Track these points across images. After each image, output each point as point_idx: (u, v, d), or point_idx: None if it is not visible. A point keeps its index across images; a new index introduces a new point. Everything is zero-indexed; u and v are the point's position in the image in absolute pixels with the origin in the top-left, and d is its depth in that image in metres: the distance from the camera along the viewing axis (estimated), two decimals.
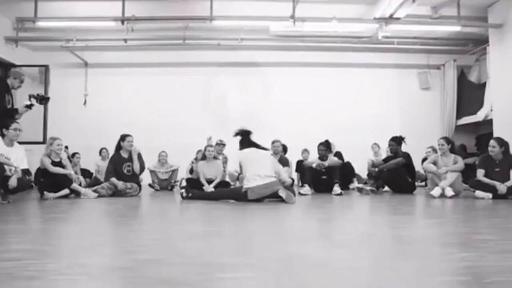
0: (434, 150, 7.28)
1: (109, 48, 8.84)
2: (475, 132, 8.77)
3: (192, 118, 8.56)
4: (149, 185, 6.95)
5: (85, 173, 7.88)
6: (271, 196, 4.75)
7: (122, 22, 8.00)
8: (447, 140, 5.82)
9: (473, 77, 8.90)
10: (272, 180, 4.81)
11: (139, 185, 6.00)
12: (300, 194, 5.87)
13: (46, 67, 8.52)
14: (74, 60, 8.88)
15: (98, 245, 2.35)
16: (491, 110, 7.45)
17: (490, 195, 5.01)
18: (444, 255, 2.05)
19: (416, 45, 8.96)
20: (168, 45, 8.75)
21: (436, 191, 5.29)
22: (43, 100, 5.12)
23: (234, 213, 3.80)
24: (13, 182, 4.48)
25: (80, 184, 5.52)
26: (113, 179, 5.72)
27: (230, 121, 8.06)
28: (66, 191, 5.25)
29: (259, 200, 4.67)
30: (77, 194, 5.33)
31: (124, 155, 5.98)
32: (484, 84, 8.10)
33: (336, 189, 5.85)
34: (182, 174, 7.43)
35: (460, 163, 5.53)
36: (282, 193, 4.64)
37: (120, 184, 5.68)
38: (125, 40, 8.47)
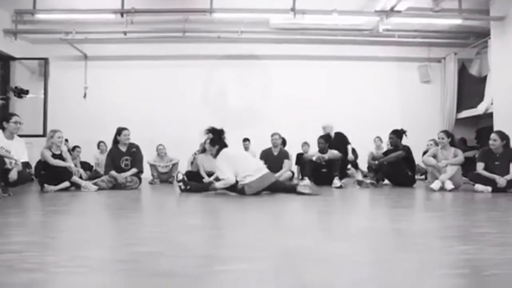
0: (436, 143, 7.29)
1: (108, 40, 8.80)
2: (475, 125, 8.76)
3: (192, 111, 8.55)
4: (149, 182, 6.94)
5: (85, 166, 7.89)
6: (268, 189, 4.76)
7: (122, 15, 7.96)
8: (447, 133, 5.82)
9: (474, 70, 8.88)
10: (266, 172, 4.88)
11: (139, 178, 6.00)
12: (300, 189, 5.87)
13: (45, 60, 8.49)
14: (73, 53, 8.84)
15: (98, 237, 2.36)
16: (492, 104, 7.43)
17: (489, 189, 5.01)
18: (443, 248, 2.06)
19: (417, 38, 8.92)
20: (167, 38, 8.71)
21: (435, 185, 5.30)
22: (22, 93, 5.09)
23: (233, 206, 3.80)
24: (13, 175, 4.48)
25: (80, 177, 5.52)
26: (113, 172, 5.73)
27: (230, 114, 8.08)
28: (66, 184, 5.26)
29: (257, 193, 4.68)
30: (77, 187, 5.34)
31: (122, 148, 5.97)
32: (485, 78, 8.07)
33: (336, 182, 5.86)
34: (183, 167, 7.44)
35: (460, 156, 5.53)
36: (304, 189, 4.70)
37: (120, 177, 5.68)
38: (125, 33, 8.43)
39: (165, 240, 2.25)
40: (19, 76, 8.48)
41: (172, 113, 8.70)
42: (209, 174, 6.24)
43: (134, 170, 5.86)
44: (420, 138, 7.97)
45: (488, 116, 7.57)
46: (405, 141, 6.33)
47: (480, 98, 8.00)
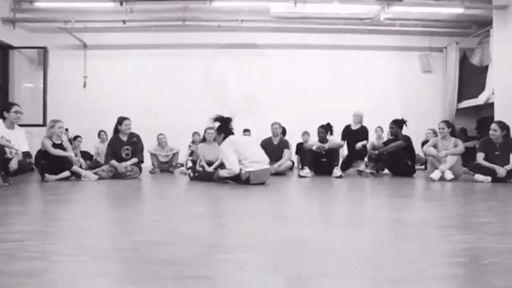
0: (434, 133, 7.29)
1: (108, 29, 8.73)
2: (475, 115, 8.74)
3: (192, 100, 8.53)
4: (150, 172, 6.95)
5: (86, 155, 7.89)
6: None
7: (121, 3, 7.88)
8: (448, 123, 5.82)
9: (475, 60, 8.82)
10: (268, 167, 4.97)
11: (140, 168, 6.01)
12: (300, 176, 5.89)
13: (44, 49, 8.44)
14: (73, 42, 8.78)
15: (99, 226, 2.37)
16: (493, 94, 7.40)
17: (489, 179, 5.03)
18: (443, 237, 2.07)
19: (418, 27, 8.85)
20: (167, 27, 8.64)
21: (435, 174, 5.31)
22: None
23: (234, 195, 3.81)
24: (13, 165, 4.49)
25: (80, 166, 5.53)
26: (113, 162, 5.73)
27: (230, 103, 8.05)
28: (67, 173, 5.27)
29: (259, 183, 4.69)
30: (77, 176, 5.35)
31: (123, 138, 5.97)
32: (486, 67, 8.02)
33: (336, 171, 5.87)
34: (182, 157, 7.45)
35: (460, 146, 5.54)
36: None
37: (120, 167, 5.69)
38: (124, 22, 8.35)
39: (166, 229, 2.26)
40: (18, 66, 8.44)
41: (172, 102, 8.67)
42: (210, 163, 6.23)
43: (134, 160, 5.87)
44: (420, 128, 7.98)
45: (489, 106, 7.55)
46: (405, 131, 6.33)
47: (481, 88, 7.97)
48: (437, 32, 8.98)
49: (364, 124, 7.13)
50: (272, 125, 6.74)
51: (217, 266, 1.54)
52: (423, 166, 7.63)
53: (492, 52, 7.51)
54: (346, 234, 2.10)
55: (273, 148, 6.59)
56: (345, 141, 6.92)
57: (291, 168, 6.85)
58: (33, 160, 5.29)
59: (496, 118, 6.41)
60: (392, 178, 5.78)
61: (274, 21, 8.71)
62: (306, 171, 5.99)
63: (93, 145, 8.21)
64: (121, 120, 5.96)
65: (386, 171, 6.31)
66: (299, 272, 1.46)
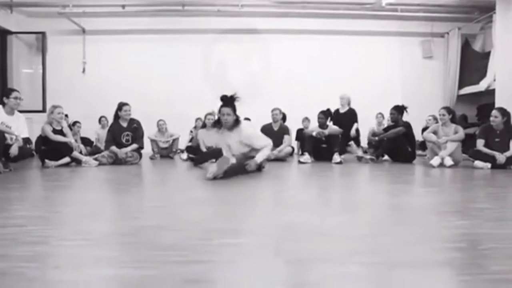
0: (435, 119, 7.29)
1: (106, 14, 8.63)
2: (476, 102, 8.71)
3: (192, 86, 8.48)
4: (150, 158, 6.96)
5: (86, 141, 7.90)
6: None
7: None
8: (448, 110, 5.81)
9: (477, 46, 8.75)
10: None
11: (140, 154, 6.02)
12: (300, 162, 5.91)
13: (43, 34, 8.37)
14: (71, 27, 8.69)
15: (100, 212, 2.39)
16: (494, 80, 7.36)
17: (488, 165, 5.04)
18: (441, 222, 2.08)
19: (420, 12, 8.74)
20: (166, 11, 8.54)
21: (435, 161, 5.33)
22: None
23: (234, 182, 3.82)
24: (14, 151, 4.50)
25: (80, 152, 5.53)
26: (114, 148, 5.74)
27: (230, 89, 8.01)
28: (67, 159, 5.28)
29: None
30: (78, 162, 5.36)
31: (123, 124, 5.96)
32: (488, 54, 7.96)
33: (336, 157, 5.88)
34: (183, 143, 7.46)
35: (461, 133, 5.54)
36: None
37: (121, 153, 5.70)
38: (123, 6, 8.26)
39: (166, 214, 2.28)
40: (17, 51, 8.38)
41: (172, 88, 8.63)
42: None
43: (134, 146, 5.88)
44: (420, 114, 7.97)
45: (489, 93, 7.51)
46: (405, 117, 6.32)
47: (483, 74, 7.92)
48: (439, 17, 8.88)
49: (352, 106, 7.36)
50: (272, 111, 6.73)
51: (217, 250, 1.56)
52: (424, 152, 7.64)
53: (495, 38, 7.44)
54: (346, 219, 2.11)
55: (273, 134, 6.58)
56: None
57: (291, 154, 6.86)
58: (33, 146, 5.30)
59: (497, 105, 6.39)
60: (392, 164, 5.79)
61: (274, 6, 8.61)
62: (306, 157, 6.00)
63: (93, 131, 8.21)
64: (121, 106, 5.95)
65: (386, 157, 6.32)
66: (298, 257, 1.48)
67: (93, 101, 8.41)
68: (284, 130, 6.64)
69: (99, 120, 8.20)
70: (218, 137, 4.56)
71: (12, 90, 4.95)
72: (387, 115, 7.11)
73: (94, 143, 8.09)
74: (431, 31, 9.08)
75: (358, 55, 8.94)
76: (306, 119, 8.16)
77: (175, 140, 7.36)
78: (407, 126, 6.16)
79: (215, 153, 4.59)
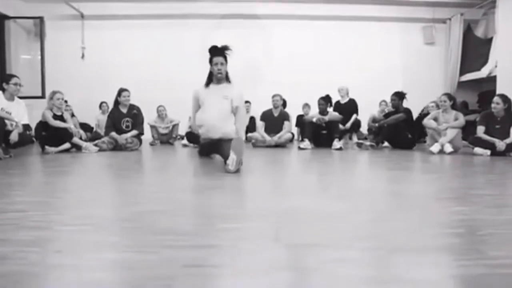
0: (437, 106, 7.28)
1: None
2: (477, 89, 8.67)
3: (192, 72, 8.39)
4: (150, 144, 6.97)
5: (85, 127, 7.88)
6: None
7: None
8: (449, 96, 5.79)
9: (479, 32, 8.66)
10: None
11: (140, 140, 6.02)
12: (300, 148, 5.91)
13: (41, 19, 8.27)
14: (69, 12, 8.60)
15: (101, 197, 2.40)
16: (496, 67, 7.32)
17: (488, 152, 5.04)
18: (440, 208, 2.09)
19: None
20: None
21: (435, 147, 5.33)
22: None
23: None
24: (14, 137, 4.50)
25: (81, 138, 5.54)
26: (113, 134, 5.74)
27: (230, 75, 7.96)
28: (67, 145, 5.29)
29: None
30: (78, 148, 5.36)
31: (123, 110, 5.96)
32: (491, 40, 7.90)
33: (336, 143, 5.89)
34: (183, 129, 7.45)
35: (461, 119, 5.53)
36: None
37: (120, 139, 5.70)
38: None
39: (167, 199, 2.29)
40: (15, 36, 8.30)
41: (172, 74, 8.58)
42: None
43: (134, 132, 5.88)
44: (421, 101, 7.94)
45: (491, 80, 7.48)
46: (406, 103, 6.30)
47: (484, 61, 7.87)
48: (441, 2, 8.78)
49: (352, 94, 7.47)
50: (273, 97, 6.71)
51: (218, 235, 1.57)
52: (425, 139, 7.63)
53: (497, 24, 7.37)
54: (345, 205, 2.12)
55: (274, 120, 6.60)
56: None
57: (291, 140, 6.87)
58: (33, 132, 5.30)
59: (498, 92, 6.36)
60: (391, 151, 5.80)
61: None
62: (306, 143, 6.01)
63: (93, 117, 8.19)
64: (120, 92, 5.95)
65: (386, 143, 6.32)
66: (299, 242, 1.49)
67: (92, 87, 8.38)
68: (284, 116, 6.63)
69: (100, 106, 8.18)
70: (213, 91, 4.10)
71: (12, 76, 4.93)
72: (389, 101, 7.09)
73: (94, 129, 8.08)
74: (433, 17, 8.99)
75: (359, 41, 8.87)
76: (306, 105, 8.14)
77: (175, 126, 7.35)
78: (408, 112, 6.15)
79: (215, 144, 4.10)
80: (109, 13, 8.69)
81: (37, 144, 5.70)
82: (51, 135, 5.24)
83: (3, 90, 4.74)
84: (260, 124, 6.66)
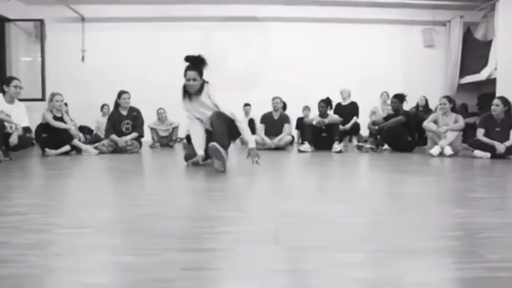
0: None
1: (105, 1, 8.55)
2: (477, 91, 8.68)
3: None
4: (150, 146, 6.97)
5: (85, 130, 7.89)
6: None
7: None
8: (449, 99, 5.79)
9: (479, 34, 8.68)
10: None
11: (140, 142, 6.03)
12: (300, 151, 5.92)
13: (41, 22, 8.30)
14: (70, 15, 8.62)
15: (100, 200, 2.40)
16: (495, 69, 7.33)
17: (488, 155, 5.04)
18: (439, 211, 2.10)
19: (422, 0, 8.67)
20: None
21: (435, 150, 5.33)
22: None
23: (233, 170, 3.83)
24: (14, 140, 4.51)
25: (79, 140, 5.55)
26: (114, 136, 5.75)
27: (230, 77, 7.98)
28: (67, 147, 5.29)
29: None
30: (78, 151, 5.37)
31: (123, 112, 5.97)
32: (490, 42, 7.92)
33: (336, 146, 5.89)
34: (183, 132, 7.45)
35: (461, 122, 5.53)
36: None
37: (121, 141, 5.71)
38: None
39: (166, 202, 2.29)
40: (15, 39, 8.32)
41: (172, 76, 8.42)
42: None
43: (134, 134, 5.89)
44: (421, 103, 7.97)
45: (490, 83, 7.49)
46: (406, 106, 6.32)
47: (484, 63, 7.89)
48: (441, 5, 8.80)
49: (353, 96, 7.46)
50: (273, 99, 6.72)
51: (217, 238, 1.57)
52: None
53: (497, 26, 7.39)
54: (345, 207, 2.13)
55: (274, 122, 6.61)
56: None
57: (291, 143, 6.88)
58: (33, 135, 5.30)
59: (498, 94, 6.37)
60: (391, 153, 5.80)
61: None
62: (306, 146, 6.01)
63: (94, 119, 8.19)
64: (120, 94, 5.96)
65: (386, 146, 6.33)
66: (298, 244, 1.49)
67: (92, 89, 8.39)
68: (284, 119, 6.64)
69: (101, 108, 8.17)
70: (189, 103, 3.95)
71: (12, 78, 4.93)
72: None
73: (94, 132, 8.08)
74: (433, 19, 9.01)
75: (359, 43, 8.89)
76: (306, 108, 8.15)
77: (174, 129, 7.36)
78: (407, 115, 6.16)
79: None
80: (109, 16, 8.70)
81: (37, 146, 5.70)
82: (51, 137, 5.25)
83: (3, 92, 4.74)
84: (260, 127, 6.67)
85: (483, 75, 7.83)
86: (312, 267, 1.27)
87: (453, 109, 5.74)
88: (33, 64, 8.41)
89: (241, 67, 8.28)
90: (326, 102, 6.33)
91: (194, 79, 3.84)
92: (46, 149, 5.18)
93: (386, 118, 6.44)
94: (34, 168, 4.15)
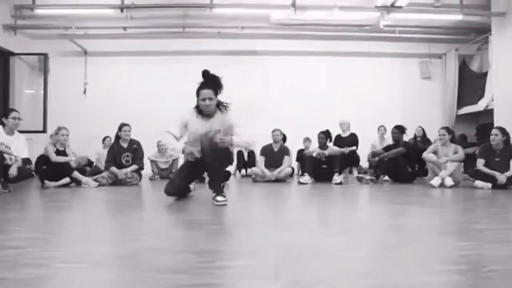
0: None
1: (108, 36, 8.77)
2: (475, 122, 8.75)
3: (192, 108, 8.53)
4: (150, 178, 6.95)
5: (85, 161, 7.87)
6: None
7: (122, 10, 7.93)
8: (448, 130, 5.84)
9: (474, 66, 8.85)
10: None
11: (140, 174, 6.02)
12: (300, 183, 5.90)
13: (45, 56, 8.47)
14: (73, 48, 8.81)
15: (100, 233, 2.38)
16: (492, 100, 7.42)
17: (489, 185, 5.02)
18: (442, 244, 2.07)
19: (418, 33, 8.88)
20: (167, 33, 8.68)
21: (435, 181, 5.32)
22: None
23: (233, 202, 3.81)
24: (13, 171, 4.50)
25: (80, 168, 5.55)
26: (113, 168, 5.74)
27: (230, 110, 8.04)
28: (67, 179, 5.28)
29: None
30: (77, 183, 5.35)
31: (123, 144, 5.99)
32: (486, 74, 8.06)
33: (336, 178, 5.87)
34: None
35: (460, 153, 5.55)
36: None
37: (120, 173, 5.70)
38: (125, 28, 8.40)
39: (166, 236, 2.27)
40: (19, 72, 8.47)
41: (173, 109, 8.51)
42: None
43: (134, 167, 5.88)
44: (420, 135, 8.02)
45: (488, 113, 7.56)
46: (406, 137, 6.36)
47: (481, 94, 7.99)
48: (437, 38, 9.02)
49: (353, 128, 7.56)
50: (273, 131, 6.75)
51: (216, 273, 1.54)
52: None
53: (491, 58, 7.55)
54: (346, 241, 2.10)
55: (274, 154, 6.61)
56: None
57: (291, 175, 6.86)
58: (33, 166, 5.30)
59: (496, 125, 6.43)
60: (392, 185, 5.78)
61: (274, 28, 8.75)
62: (306, 177, 5.99)
63: (94, 151, 8.20)
64: (120, 127, 6.01)
65: (386, 177, 6.32)
66: (299, 279, 1.47)
67: (94, 121, 8.44)
68: (284, 151, 6.65)
69: (103, 140, 8.18)
70: (200, 124, 3.77)
71: (11, 110, 5.00)
72: (390, 128, 7.08)
73: (95, 164, 8.07)
74: (429, 52, 9.20)
75: (357, 76, 9.03)
76: (307, 140, 8.16)
77: (174, 161, 7.34)
78: (408, 146, 6.18)
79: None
80: (112, 50, 8.89)
81: (36, 178, 5.69)
82: (51, 169, 5.24)
83: (3, 124, 4.79)
84: (260, 159, 6.67)
85: (480, 105, 7.92)
86: None
87: (452, 140, 5.77)
88: (36, 97, 8.51)
89: (241, 99, 8.37)
90: (326, 134, 6.36)
91: (210, 98, 3.55)
92: (46, 181, 5.16)
93: (386, 149, 6.46)
94: (33, 200, 4.12)
